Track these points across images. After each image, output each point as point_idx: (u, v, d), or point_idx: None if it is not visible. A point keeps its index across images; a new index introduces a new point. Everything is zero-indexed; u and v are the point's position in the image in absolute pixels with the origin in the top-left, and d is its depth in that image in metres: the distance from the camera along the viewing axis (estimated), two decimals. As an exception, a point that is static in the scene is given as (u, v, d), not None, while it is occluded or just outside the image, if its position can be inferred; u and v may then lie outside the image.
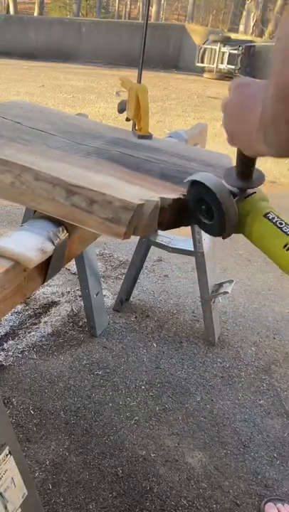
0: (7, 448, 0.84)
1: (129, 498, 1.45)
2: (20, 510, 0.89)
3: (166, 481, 1.51)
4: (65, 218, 0.88)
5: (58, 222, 0.90)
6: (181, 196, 0.96)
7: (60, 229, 0.88)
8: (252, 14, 18.38)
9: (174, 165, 1.21)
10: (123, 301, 2.36)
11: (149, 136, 1.48)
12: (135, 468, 1.55)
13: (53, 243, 0.85)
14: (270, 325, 2.37)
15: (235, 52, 12.04)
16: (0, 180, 0.94)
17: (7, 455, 0.84)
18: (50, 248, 0.84)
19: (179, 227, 0.98)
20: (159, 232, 2.20)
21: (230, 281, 2.12)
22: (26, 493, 0.91)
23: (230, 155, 1.45)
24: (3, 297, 0.75)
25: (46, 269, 0.89)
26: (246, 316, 2.43)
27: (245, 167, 0.82)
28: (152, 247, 2.24)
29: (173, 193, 0.97)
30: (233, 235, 0.88)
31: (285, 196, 4.18)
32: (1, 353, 1.99)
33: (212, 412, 1.80)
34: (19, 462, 0.88)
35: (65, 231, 0.90)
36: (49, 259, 0.87)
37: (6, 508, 0.84)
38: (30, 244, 0.81)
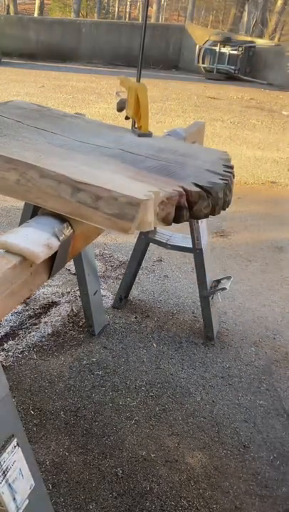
0: (15, 439, 0.85)
1: (129, 499, 1.44)
2: (28, 501, 0.89)
3: (166, 482, 1.51)
4: (71, 215, 0.88)
5: (62, 219, 0.90)
6: (184, 192, 0.97)
7: (65, 225, 0.89)
8: (252, 15, 18.43)
9: (175, 162, 1.22)
10: (122, 298, 2.36)
11: (149, 134, 1.48)
12: (135, 468, 1.54)
13: (58, 239, 0.86)
14: (270, 325, 2.37)
15: (235, 52, 12.06)
16: (5, 178, 0.94)
17: (15, 446, 0.85)
18: (55, 244, 0.85)
19: (182, 222, 0.99)
20: (158, 229, 2.20)
21: (228, 278, 2.11)
22: (34, 485, 0.91)
23: (228, 152, 1.45)
24: (11, 292, 0.75)
25: (51, 264, 0.89)
26: (246, 316, 2.42)
27: None
28: (152, 245, 2.24)
29: (175, 188, 0.97)
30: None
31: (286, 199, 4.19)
32: (1, 353, 1.98)
33: (212, 412, 1.80)
34: (27, 454, 0.89)
35: (70, 227, 0.90)
36: (54, 255, 0.87)
37: (14, 498, 0.85)
38: (36, 240, 0.81)
